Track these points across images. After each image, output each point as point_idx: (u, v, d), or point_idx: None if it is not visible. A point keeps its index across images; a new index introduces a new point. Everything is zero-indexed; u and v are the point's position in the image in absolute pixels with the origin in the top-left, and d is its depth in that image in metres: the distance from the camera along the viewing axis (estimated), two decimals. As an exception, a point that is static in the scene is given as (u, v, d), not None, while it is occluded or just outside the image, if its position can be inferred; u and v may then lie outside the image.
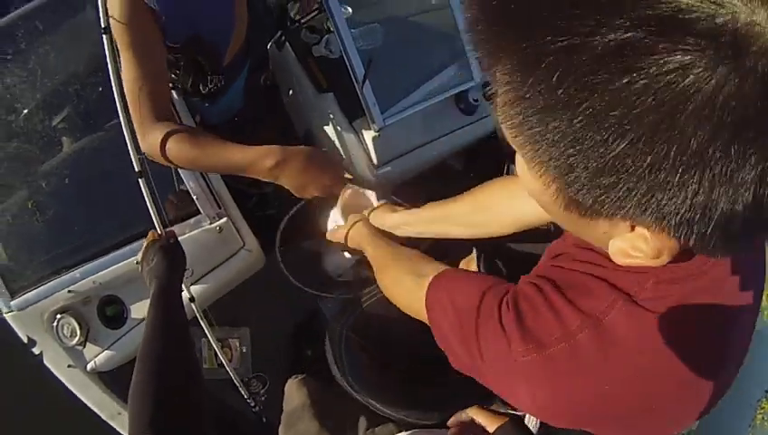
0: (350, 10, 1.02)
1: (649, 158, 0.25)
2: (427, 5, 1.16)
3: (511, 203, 0.71)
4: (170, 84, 1.04)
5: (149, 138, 0.81)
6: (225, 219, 0.98)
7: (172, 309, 0.73)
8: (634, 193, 0.27)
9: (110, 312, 1.12)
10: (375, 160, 1.02)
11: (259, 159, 0.80)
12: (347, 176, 0.91)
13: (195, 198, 0.97)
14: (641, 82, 0.24)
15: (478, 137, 1.13)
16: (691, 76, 0.23)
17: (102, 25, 0.79)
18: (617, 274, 0.41)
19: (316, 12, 1.10)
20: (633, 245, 0.33)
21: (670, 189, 0.26)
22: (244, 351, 1.21)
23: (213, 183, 1.00)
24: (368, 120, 0.98)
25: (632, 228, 0.32)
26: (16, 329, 1.16)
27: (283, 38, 1.08)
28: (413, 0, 1.19)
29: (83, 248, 1.09)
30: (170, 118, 0.84)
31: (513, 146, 0.32)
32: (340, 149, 1.04)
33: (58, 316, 1.13)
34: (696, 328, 0.40)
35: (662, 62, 0.23)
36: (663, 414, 0.42)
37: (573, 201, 0.31)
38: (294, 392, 0.95)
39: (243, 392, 1.04)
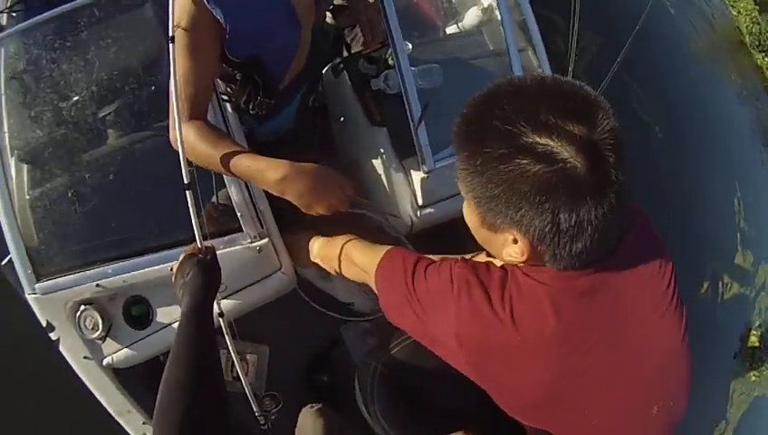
0: (410, 46, 1.04)
1: (514, 199, 0.54)
2: (486, 51, 1.18)
3: None
4: (225, 97, 1.06)
5: (178, 131, 0.84)
6: (265, 240, 0.99)
7: (203, 329, 0.73)
8: (510, 216, 0.55)
9: (136, 312, 1.12)
10: (420, 201, 1.04)
11: (267, 171, 0.82)
12: (357, 198, 0.91)
13: (239, 215, 0.98)
14: (508, 170, 0.52)
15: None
16: (532, 169, 0.51)
17: (170, 34, 0.81)
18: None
19: (380, 45, 1.12)
20: (513, 249, 0.59)
21: (528, 218, 0.54)
22: (261, 368, 1.21)
23: (258, 203, 1.00)
24: (418, 161, 0.99)
25: (514, 241, 0.58)
26: (36, 312, 1.16)
27: (341, 66, 1.10)
28: (473, 44, 1.21)
29: (118, 246, 1.10)
30: (205, 117, 0.88)
31: (462, 191, 0.60)
32: (385, 184, 1.06)
33: (82, 307, 1.14)
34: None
35: (520, 163, 0.52)
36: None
37: (485, 221, 0.59)
38: (309, 423, 0.95)
39: (254, 408, 1.04)
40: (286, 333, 1.05)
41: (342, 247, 0.90)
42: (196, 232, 0.84)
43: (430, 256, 0.73)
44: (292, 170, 0.81)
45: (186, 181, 0.82)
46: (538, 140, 0.50)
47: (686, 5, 4.32)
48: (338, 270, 0.93)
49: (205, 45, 0.82)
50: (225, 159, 0.84)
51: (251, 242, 1.00)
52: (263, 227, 1.00)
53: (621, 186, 0.53)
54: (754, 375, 3.65)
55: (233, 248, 1.00)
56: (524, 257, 0.58)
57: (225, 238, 1.01)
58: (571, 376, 0.59)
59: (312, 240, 1.01)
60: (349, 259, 0.88)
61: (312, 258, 1.00)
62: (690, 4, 4.47)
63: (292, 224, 1.07)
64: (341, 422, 0.96)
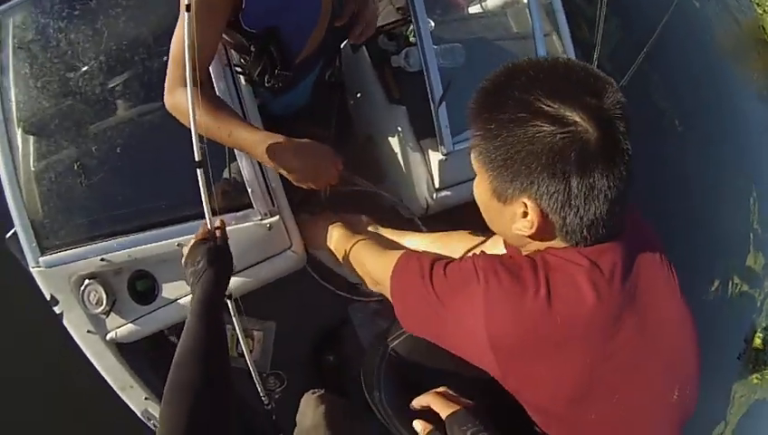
0: (432, 24, 1.00)
1: (526, 161, 0.55)
2: (510, 33, 1.14)
3: (469, 248, 0.86)
4: (239, 69, 1.03)
5: (176, 96, 0.83)
6: (276, 217, 0.96)
7: (213, 326, 0.69)
8: (521, 181, 0.56)
9: (141, 287, 1.11)
10: (436, 183, 1.01)
11: (261, 143, 0.82)
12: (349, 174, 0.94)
13: (249, 191, 0.96)
14: (521, 132, 0.55)
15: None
16: (545, 130, 0.54)
17: (186, 2, 0.78)
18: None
19: (399, 21, 1.08)
20: (522, 223, 0.59)
21: (540, 181, 0.55)
22: (267, 345, 1.20)
23: (270, 179, 0.98)
24: (436, 142, 0.96)
25: (524, 214, 0.58)
26: (41, 285, 1.15)
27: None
28: (497, 25, 1.16)
29: (124, 220, 1.08)
30: (202, 85, 0.83)
31: (474, 163, 0.62)
32: (402, 163, 1.03)
33: (86, 281, 1.12)
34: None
35: (533, 125, 0.54)
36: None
37: (496, 191, 0.59)
38: (310, 410, 0.94)
39: (258, 387, 1.02)
40: (294, 311, 1.03)
41: (354, 247, 0.88)
42: (206, 214, 0.81)
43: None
44: (287, 147, 0.83)
45: (197, 159, 0.79)
46: (551, 104, 0.53)
47: (711, 1, 4.22)
48: (350, 270, 0.90)
49: (216, 13, 0.79)
50: (222, 130, 0.82)
51: (261, 219, 0.97)
52: (273, 205, 0.97)
53: (630, 160, 0.55)
54: (756, 378, 3.63)
55: (243, 225, 0.98)
56: (533, 230, 0.58)
57: (236, 214, 0.98)
58: (604, 361, 0.57)
59: (328, 226, 0.98)
60: (361, 263, 0.86)
61: (326, 244, 0.98)
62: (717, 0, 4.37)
63: (307, 203, 1.05)
64: (344, 408, 0.95)
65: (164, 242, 1.03)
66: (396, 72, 1.05)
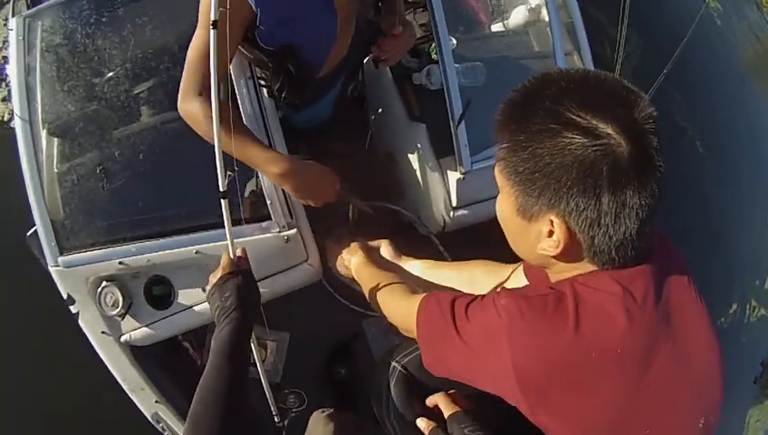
0: (454, 42, 1.01)
1: (555, 174, 0.53)
2: (531, 52, 1.14)
3: (492, 282, 0.85)
4: (262, 82, 1.05)
5: (188, 105, 0.86)
6: (294, 230, 0.98)
7: (238, 365, 0.70)
8: (549, 196, 0.54)
9: (157, 292, 1.12)
10: (454, 202, 1.01)
11: (267, 164, 0.88)
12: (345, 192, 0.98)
13: (268, 203, 0.97)
14: (552, 143, 0.52)
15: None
16: (576, 142, 0.51)
17: (212, 19, 0.80)
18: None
19: (422, 38, 1.09)
20: (547, 243, 0.56)
21: (569, 197, 0.52)
22: (280, 355, 1.21)
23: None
24: (455, 160, 0.97)
25: (550, 232, 0.56)
26: (59, 284, 1.17)
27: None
28: (518, 44, 1.17)
29: (144, 225, 1.10)
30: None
31: (498, 178, 0.59)
32: (420, 181, 1.03)
33: (104, 283, 1.14)
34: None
35: (564, 136, 0.52)
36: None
37: (521, 208, 0.57)
38: (319, 429, 0.95)
39: (269, 400, 1.03)
40: (308, 323, 1.04)
41: (378, 292, 0.86)
42: (229, 245, 0.81)
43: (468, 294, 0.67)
44: (291, 167, 0.88)
45: (222, 189, 0.79)
46: (583, 116, 0.51)
47: (733, 18, 4.17)
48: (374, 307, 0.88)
49: (230, 28, 0.80)
50: (237, 146, 0.85)
51: (279, 231, 0.98)
52: (292, 218, 0.98)
53: (662, 177, 0.53)
54: None
55: (261, 236, 0.99)
56: (559, 250, 0.56)
57: (255, 226, 1.00)
58: (638, 393, 0.55)
59: (353, 254, 0.97)
60: (387, 308, 0.83)
61: (348, 272, 0.98)
62: (739, 18, 4.32)
63: (333, 228, 1.07)
64: (353, 425, 0.95)
65: (183, 249, 1.05)
66: (417, 90, 1.05)
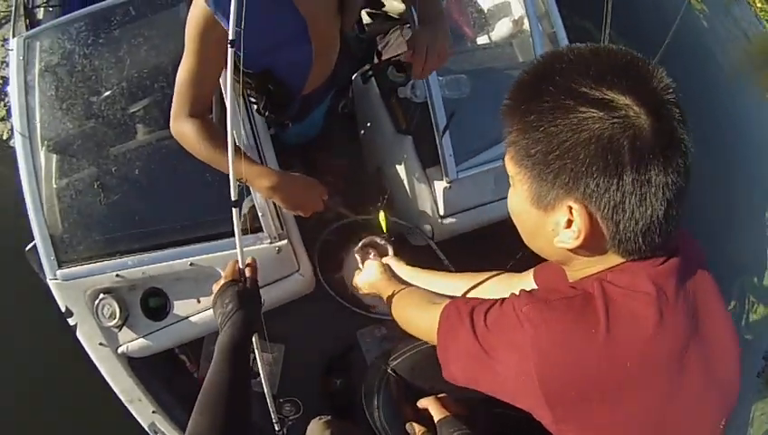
0: (438, 56, 1.04)
1: (572, 154, 0.48)
2: (515, 63, 1.17)
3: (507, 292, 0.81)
4: (252, 100, 1.08)
5: (180, 126, 0.90)
6: (285, 241, 1.00)
7: (239, 370, 0.70)
8: (566, 180, 0.49)
9: (153, 304, 1.14)
10: (441, 210, 1.04)
11: (259, 178, 0.92)
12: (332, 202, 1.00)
13: (260, 214, 1.00)
14: (566, 121, 0.48)
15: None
16: (593, 116, 0.47)
17: (230, 38, 0.81)
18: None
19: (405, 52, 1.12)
20: (566, 234, 0.51)
21: (589, 178, 0.47)
22: (276, 367, 1.22)
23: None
24: (441, 170, 1.00)
25: (568, 222, 0.50)
26: (57, 297, 1.18)
27: (370, 73, 1.11)
28: (502, 56, 1.20)
29: (139, 238, 1.12)
30: (205, 115, 0.91)
31: (509, 167, 0.55)
32: (408, 191, 1.06)
33: (101, 296, 1.16)
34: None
35: (579, 111, 0.47)
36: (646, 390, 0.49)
37: (536, 196, 0.52)
38: None
39: (271, 410, 1.01)
40: (303, 335, 1.06)
41: (401, 305, 0.83)
42: (239, 253, 0.82)
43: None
44: (280, 180, 0.92)
45: (233, 198, 0.80)
46: (598, 89, 0.47)
47: (720, 18, 4.22)
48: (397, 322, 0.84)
49: (212, 51, 0.85)
50: (222, 163, 0.87)
51: (270, 242, 1.01)
52: (283, 229, 1.01)
53: (689, 152, 0.48)
54: None
55: (253, 247, 1.02)
56: (580, 241, 0.50)
57: (246, 237, 1.02)
58: (671, 400, 0.50)
59: (370, 269, 0.95)
60: (411, 324, 0.79)
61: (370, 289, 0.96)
62: (727, 17, 4.36)
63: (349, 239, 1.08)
64: (350, 433, 0.97)
65: (177, 261, 1.07)
66: (403, 103, 1.09)
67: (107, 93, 1.23)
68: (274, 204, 0.99)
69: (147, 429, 1.19)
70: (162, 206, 1.14)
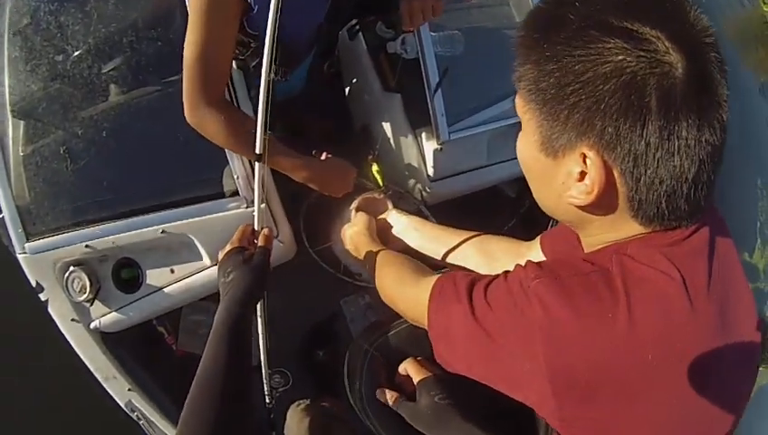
0: (431, 10, 0.93)
1: (590, 89, 0.40)
2: (512, 23, 1.07)
3: (511, 264, 0.67)
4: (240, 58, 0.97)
5: (200, 117, 0.78)
6: (263, 205, 0.90)
7: (236, 349, 0.60)
8: (581, 121, 0.41)
9: (125, 275, 1.04)
10: (431, 173, 0.94)
11: (296, 170, 0.85)
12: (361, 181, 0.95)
13: (235, 176, 0.89)
14: (586, 52, 0.40)
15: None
16: (617, 45, 0.39)
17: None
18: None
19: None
20: (578, 188, 0.43)
21: (607, 120, 0.39)
22: (255, 338, 1.13)
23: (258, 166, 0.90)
24: (432, 131, 0.89)
25: (581, 174, 0.42)
26: (27, 272, 1.09)
27: (357, 27, 1.00)
28: (499, 14, 1.09)
29: (109, 206, 1.01)
30: (224, 98, 0.80)
31: (519, 106, 0.46)
32: (396, 153, 0.96)
33: (71, 268, 1.06)
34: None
35: (601, 41, 0.39)
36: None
37: (546, 140, 0.44)
38: (295, 425, 0.88)
39: (264, 384, 0.91)
40: (284, 305, 0.96)
41: (383, 271, 0.71)
42: (255, 216, 0.71)
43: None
44: (318, 171, 0.87)
45: (258, 151, 0.68)
46: (626, 20, 0.39)
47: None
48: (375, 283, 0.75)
49: (229, 24, 0.74)
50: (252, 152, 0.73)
51: (247, 206, 0.90)
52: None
53: (726, 109, 0.40)
54: (764, 367, 3.53)
55: (227, 213, 0.91)
56: (593, 196, 0.42)
57: (220, 201, 0.91)
58: (698, 398, 0.42)
59: (353, 226, 0.86)
60: (392, 294, 0.68)
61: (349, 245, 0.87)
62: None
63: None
64: (331, 417, 0.88)
65: (148, 229, 0.97)
66: (392, 60, 0.98)
67: (73, 52, 1.10)
68: (251, 164, 0.88)
69: (123, 406, 1.10)
70: (132, 171, 1.03)
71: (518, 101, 0.46)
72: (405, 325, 0.80)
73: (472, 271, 0.75)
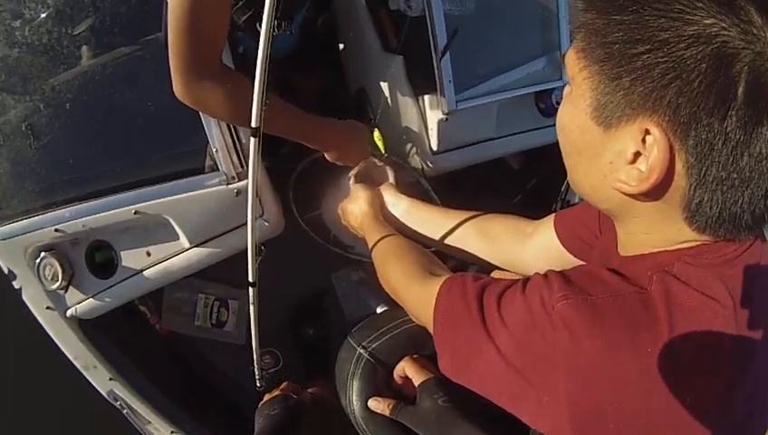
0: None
1: (665, 50, 0.30)
2: (529, -19, 0.89)
3: (515, 245, 0.61)
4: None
5: (195, 93, 0.61)
6: (245, 181, 0.74)
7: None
8: (650, 86, 0.30)
9: (99, 258, 0.90)
10: (434, 145, 0.79)
11: (320, 147, 0.73)
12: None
13: (214, 150, 0.73)
14: (670, 9, 0.30)
15: (549, 142, 0.89)
16: (705, 15, 0.29)
17: None
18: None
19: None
20: (629, 171, 0.33)
21: (684, 87, 0.29)
22: (242, 315, 1.00)
23: (241, 137, 0.74)
24: (437, 99, 0.74)
25: (635, 154, 0.32)
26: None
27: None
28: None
29: (78, 185, 0.86)
30: (220, 66, 0.63)
31: (569, 65, 0.36)
32: (394, 122, 0.80)
33: (42, 254, 0.91)
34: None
35: (687, 6, 0.29)
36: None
37: (600, 105, 0.33)
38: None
39: (255, 365, 0.80)
40: (272, 280, 0.82)
41: (389, 262, 0.61)
42: (249, 187, 0.59)
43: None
44: (334, 140, 0.74)
45: (254, 125, 0.54)
46: None
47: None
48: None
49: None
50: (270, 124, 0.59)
51: (228, 183, 0.74)
52: (243, 167, 0.74)
53: None
54: None
55: (206, 190, 0.75)
56: (650, 183, 0.31)
57: (199, 178, 0.75)
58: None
59: (354, 203, 0.75)
60: (398, 289, 0.58)
61: (350, 223, 0.77)
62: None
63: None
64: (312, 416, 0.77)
65: (120, 210, 0.81)
66: (394, 17, 0.80)
67: (31, 17, 0.91)
68: (232, 134, 0.71)
69: (106, 396, 0.98)
70: (102, 147, 0.88)
71: (571, 55, 0.35)
72: (403, 328, 0.67)
73: (473, 254, 0.66)
